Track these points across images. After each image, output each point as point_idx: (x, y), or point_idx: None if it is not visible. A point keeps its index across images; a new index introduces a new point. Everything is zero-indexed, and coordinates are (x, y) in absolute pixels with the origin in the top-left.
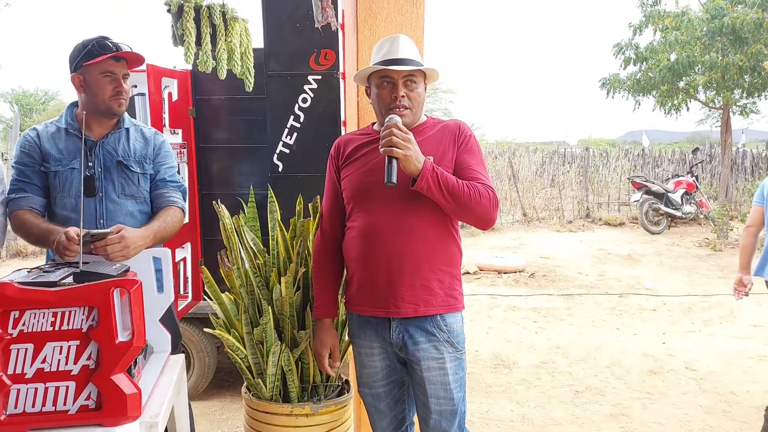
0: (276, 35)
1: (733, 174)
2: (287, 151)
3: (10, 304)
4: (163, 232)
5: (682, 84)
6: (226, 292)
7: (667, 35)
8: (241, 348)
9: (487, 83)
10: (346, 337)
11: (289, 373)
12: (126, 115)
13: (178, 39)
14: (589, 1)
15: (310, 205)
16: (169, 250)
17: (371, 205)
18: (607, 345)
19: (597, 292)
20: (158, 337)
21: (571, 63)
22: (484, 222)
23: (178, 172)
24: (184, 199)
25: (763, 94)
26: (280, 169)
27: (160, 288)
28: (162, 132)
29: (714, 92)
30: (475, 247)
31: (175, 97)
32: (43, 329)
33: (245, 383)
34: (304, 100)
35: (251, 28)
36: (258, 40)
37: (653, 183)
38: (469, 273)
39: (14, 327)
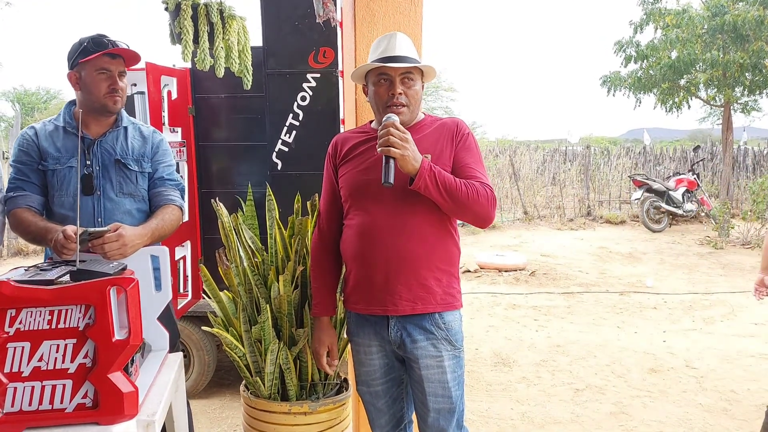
0: (275, 33)
1: (735, 172)
2: (286, 149)
3: (6, 303)
4: (161, 230)
5: (683, 82)
6: (225, 291)
7: (668, 33)
8: (240, 346)
9: (489, 81)
10: (345, 336)
11: (287, 372)
12: (124, 113)
13: (176, 37)
14: None
15: (308, 203)
16: (167, 249)
17: (369, 203)
18: (608, 343)
19: (598, 290)
20: (156, 335)
21: (572, 61)
22: (482, 220)
23: (178, 171)
24: (183, 198)
25: (764, 91)
26: (279, 168)
27: (158, 286)
28: (161, 130)
29: (715, 90)
30: (475, 245)
31: (174, 96)
32: (40, 327)
33: (244, 381)
34: (303, 99)
35: (250, 26)
36: (257, 39)
37: (654, 181)
38: (469, 271)
39: (11, 325)
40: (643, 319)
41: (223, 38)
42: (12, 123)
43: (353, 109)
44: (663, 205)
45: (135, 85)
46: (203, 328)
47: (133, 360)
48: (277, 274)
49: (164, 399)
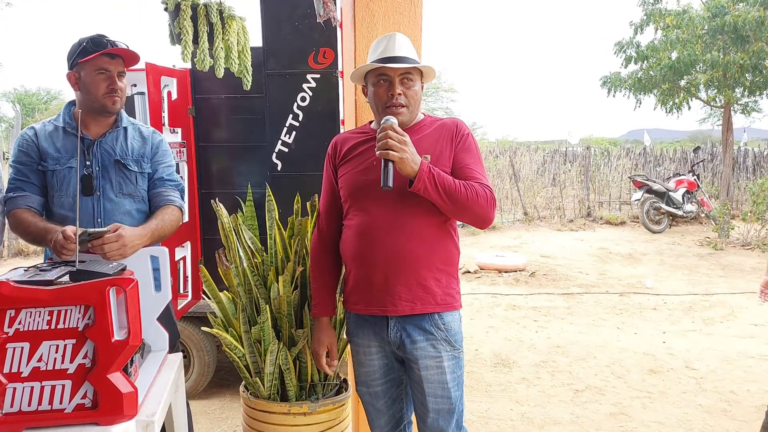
0: (275, 34)
1: (735, 173)
2: (286, 150)
3: (6, 303)
4: (161, 231)
5: (683, 82)
6: (225, 291)
7: (668, 33)
8: (239, 347)
9: (489, 82)
10: (344, 336)
11: (286, 372)
12: (124, 114)
13: (175, 37)
14: None
15: (308, 204)
16: (166, 249)
17: (368, 203)
18: (608, 344)
19: (597, 291)
20: (156, 335)
21: (572, 62)
22: (482, 221)
23: (178, 171)
24: (183, 198)
25: (764, 92)
26: (279, 168)
27: (158, 287)
28: (161, 131)
29: (715, 91)
30: (475, 246)
31: (174, 96)
32: (39, 328)
33: (243, 382)
34: (303, 99)
35: (250, 27)
36: (256, 39)
37: (654, 182)
38: (469, 272)
39: (10, 326)
40: (642, 320)
41: (222, 38)
42: (12, 124)
43: (353, 110)
44: (663, 206)
45: (135, 85)
46: (203, 328)
47: (132, 360)
48: (277, 274)
49: (164, 399)
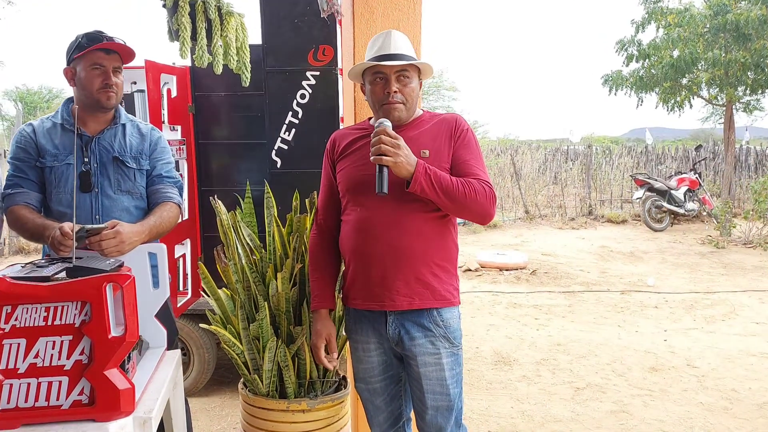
0: (274, 31)
1: (737, 171)
2: (285, 147)
3: (2, 299)
4: (159, 227)
5: (685, 81)
6: (223, 288)
7: (670, 32)
8: (238, 344)
9: (490, 81)
10: (343, 333)
11: (285, 369)
12: (122, 110)
13: (174, 34)
14: None
15: (306, 200)
16: (164, 246)
17: (366, 198)
18: (609, 342)
19: (599, 289)
20: (154, 332)
21: (573, 60)
22: (482, 218)
23: (177, 169)
24: (181, 195)
25: (766, 90)
26: (278, 166)
27: (156, 284)
28: (161, 128)
29: (717, 89)
30: (477, 244)
31: (174, 94)
32: (36, 324)
33: (242, 379)
34: (303, 96)
35: (250, 24)
36: (256, 36)
37: (656, 180)
38: (470, 270)
39: (6, 322)
40: (644, 318)
41: (221, 35)
42: (14, 122)
43: (352, 107)
44: (665, 204)
45: (135, 83)
46: (201, 325)
47: (129, 357)
48: (276, 271)
49: (161, 396)
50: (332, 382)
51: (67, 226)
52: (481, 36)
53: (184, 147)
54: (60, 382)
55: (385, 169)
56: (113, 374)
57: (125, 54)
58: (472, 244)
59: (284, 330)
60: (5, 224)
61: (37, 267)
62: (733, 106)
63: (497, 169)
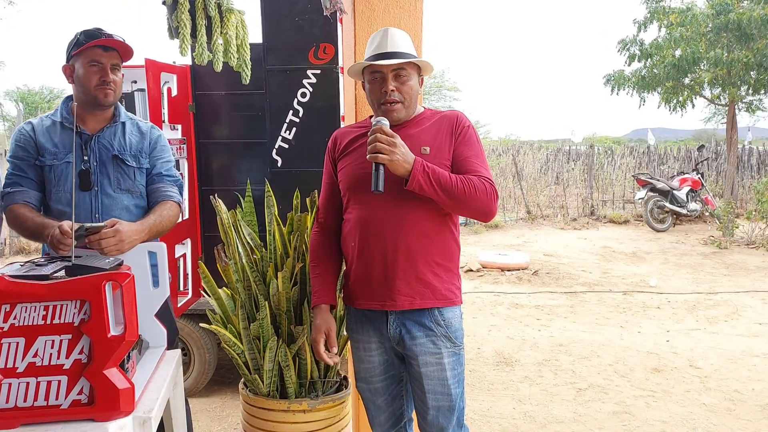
0: (275, 29)
1: (739, 171)
2: (286, 146)
3: (1, 298)
4: (159, 226)
5: (687, 81)
6: (224, 288)
7: (672, 31)
8: (238, 343)
9: (492, 81)
10: (345, 333)
11: (286, 369)
12: (122, 109)
13: (173, 31)
14: None
15: (307, 199)
16: (164, 245)
17: (366, 197)
18: (611, 343)
19: (601, 289)
20: (154, 332)
21: (575, 60)
22: (483, 215)
23: (178, 168)
24: (181, 194)
25: None
26: (279, 164)
27: (156, 283)
28: (161, 127)
29: (719, 89)
30: (478, 244)
31: (174, 93)
32: (35, 323)
33: (242, 379)
34: (303, 95)
35: (250, 22)
36: (256, 35)
37: (658, 180)
38: (472, 270)
39: (5, 321)
40: (646, 318)
41: (221, 32)
42: (15, 122)
43: (353, 105)
44: (667, 204)
45: (135, 82)
46: (201, 325)
47: (129, 356)
48: (276, 270)
49: (161, 396)
50: (333, 382)
51: (67, 224)
52: (482, 36)
53: (185, 146)
54: (59, 381)
55: (381, 168)
56: (113, 374)
57: (124, 51)
58: (474, 245)
59: (285, 330)
60: (5, 223)
61: (36, 265)
62: (736, 106)
63: (499, 169)
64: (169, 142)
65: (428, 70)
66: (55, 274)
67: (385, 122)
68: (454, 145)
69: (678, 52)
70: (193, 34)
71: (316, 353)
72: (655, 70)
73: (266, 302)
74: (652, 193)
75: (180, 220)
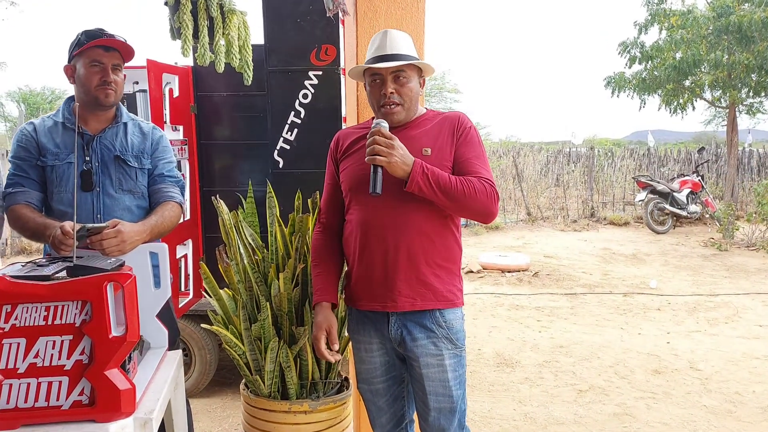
0: (276, 31)
1: (739, 174)
2: (288, 147)
3: (2, 298)
4: (161, 227)
5: (687, 83)
6: (225, 288)
7: (673, 34)
8: (239, 344)
9: (493, 83)
10: (346, 333)
11: (287, 370)
12: (124, 109)
13: (175, 32)
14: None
15: (309, 200)
16: (166, 246)
17: (368, 198)
18: (611, 344)
19: (601, 291)
20: (155, 332)
21: (576, 62)
22: (483, 216)
23: (179, 169)
24: (183, 195)
25: None
26: (280, 166)
27: (157, 283)
28: (163, 128)
29: (720, 91)
30: (478, 245)
31: (176, 94)
32: (36, 323)
33: (244, 380)
34: (305, 96)
35: (252, 23)
36: (258, 36)
37: (658, 182)
38: (472, 272)
39: (6, 321)
40: (646, 320)
41: (223, 33)
42: (17, 123)
43: (355, 107)
44: (667, 206)
45: (137, 83)
46: (202, 325)
47: (130, 357)
48: (278, 271)
49: (162, 397)
50: (334, 383)
51: (68, 225)
52: (483, 38)
53: (186, 147)
54: (60, 382)
55: (380, 170)
56: (114, 374)
57: (125, 52)
58: (474, 246)
59: (286, 330)
60: (6, 223)
61: (38, 266)
62: (736, 109)
63: (499, 170)
64: (171, 143)
65: (429, 71)
66: (57, 275)
67: (384, 124)
68: (456, 146)
69: (679, 55)
70: (195, 35)
71: (317, 350)
72: (656, 73)
73: (267, 303)
74: (652, 195)
75: (181, 220)
